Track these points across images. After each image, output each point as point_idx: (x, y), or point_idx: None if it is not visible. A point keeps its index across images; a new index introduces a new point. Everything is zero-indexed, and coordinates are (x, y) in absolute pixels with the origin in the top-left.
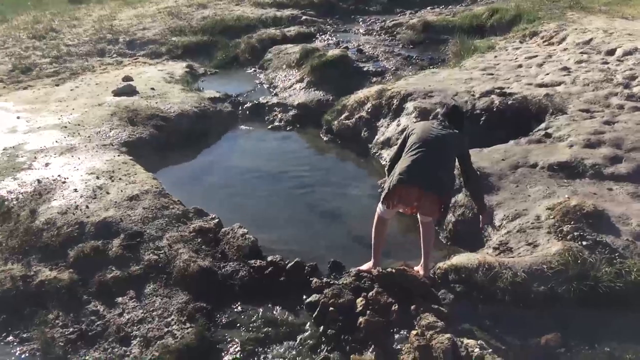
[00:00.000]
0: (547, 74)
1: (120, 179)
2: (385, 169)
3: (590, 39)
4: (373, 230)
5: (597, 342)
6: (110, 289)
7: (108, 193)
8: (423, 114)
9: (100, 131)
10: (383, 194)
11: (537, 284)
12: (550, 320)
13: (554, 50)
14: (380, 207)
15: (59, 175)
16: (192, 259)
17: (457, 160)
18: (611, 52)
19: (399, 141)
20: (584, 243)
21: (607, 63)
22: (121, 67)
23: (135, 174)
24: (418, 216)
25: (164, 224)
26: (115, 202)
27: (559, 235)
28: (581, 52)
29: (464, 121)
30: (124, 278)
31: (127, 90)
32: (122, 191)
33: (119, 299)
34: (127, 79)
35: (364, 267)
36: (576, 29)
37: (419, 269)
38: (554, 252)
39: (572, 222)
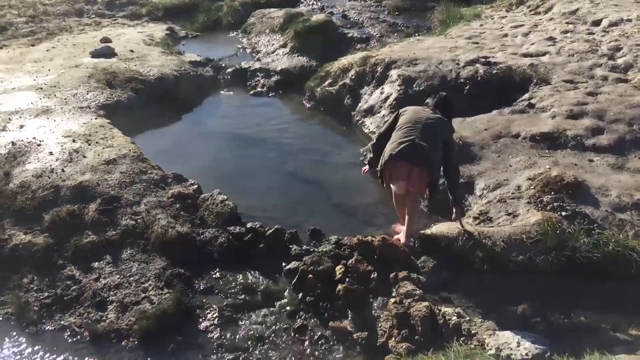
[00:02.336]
0: (533, 43)
1: (97, 142)
2: (370, 144)
3: (577, 9)
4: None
5: (573, 311)
6: (87, 253)
7: (85, 157)
8: (407, 82)
9: (77, 93)
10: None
11: (516, 254)
12: (528, 289)
13: (540, 19)
14: (392, 186)
15: (34, 138)
16: (171, 225)
17: (441, 146)
18: (597, 23)
19: (388, 120)
20: (564, 214)
21: (592, 34)
22: (99, 28)
23: (112, 137)
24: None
25: (142, 189)
26: (92, 166)
27: (539, 205)
28: (567, 22)
29: (452, 111)
30: (101, 243)
31: (106, 51)
32: (99, 155)
33: (95, 264)
34: (105, 40)
35: (397, 236)
36: None
37: (399, 236)
38: (534, 222)
39: (552, 193)
